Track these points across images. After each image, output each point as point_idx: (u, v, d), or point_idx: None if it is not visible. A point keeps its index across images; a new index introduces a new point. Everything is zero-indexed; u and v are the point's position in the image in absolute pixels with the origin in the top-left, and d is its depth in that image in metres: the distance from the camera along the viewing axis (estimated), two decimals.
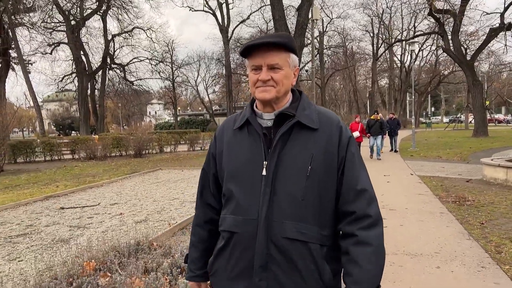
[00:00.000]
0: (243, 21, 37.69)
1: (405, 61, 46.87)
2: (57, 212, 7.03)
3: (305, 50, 26.39)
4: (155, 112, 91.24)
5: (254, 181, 1.32)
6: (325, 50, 37.02)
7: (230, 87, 39.59)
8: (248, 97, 61.87)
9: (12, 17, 27.71)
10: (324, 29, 36.68)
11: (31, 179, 11.63)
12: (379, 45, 43.64)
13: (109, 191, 9.22)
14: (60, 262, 3.89)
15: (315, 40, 27.68)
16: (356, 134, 13.06)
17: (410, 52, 23.00)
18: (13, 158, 17.05)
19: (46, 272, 3.84)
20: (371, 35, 43.45)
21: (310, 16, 17.35)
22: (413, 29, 39.65)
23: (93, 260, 3.56)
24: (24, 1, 28.32)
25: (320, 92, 38.39)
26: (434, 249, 4.30)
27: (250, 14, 36.98)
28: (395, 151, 15.96)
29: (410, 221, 5.48)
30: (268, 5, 31.91)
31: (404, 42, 37.50)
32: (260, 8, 35.06)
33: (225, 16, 37.14)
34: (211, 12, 37.79)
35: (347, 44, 39.04)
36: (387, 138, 15.41)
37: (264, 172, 1.31)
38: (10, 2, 25.23)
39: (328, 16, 36.26)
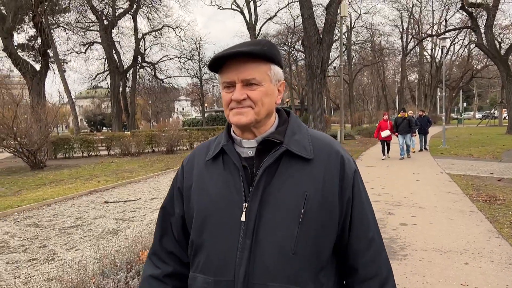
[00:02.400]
0: (270, 18, 37.85)
1: (435, 55, 45.82)
2: (102, 206, 7.56)
3: (333, 46, 26.34)
4: (183, 109, 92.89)
5: (230, 230, 1.04)
6: (353, 46, 36.71)
7: None
8: None
9: (49, 18, 28.98)
10: (352, 24, 36.35)
11: (73, 174, 12.35)
12: (409, 40, 42.82)
13: (147, 186, 9.74)
14: (115, 251, 4.33)
15: (343, 36, 27.54)
16: (387, 132, 13.06)
17: (441, 47, 22.51)
18: (53, 154, 18.02)
19: (103, 259, 4.28)
20: (400, 29, 42.69)
21: (338, 12, 17.42)
22: (444, 23, 38.70)
23: (146, 250, 3.97)
24: (60, 2, 29.51)
25: (347, 87, 38.14)
26: (463, 246, 4.48)
27: (278, 11, 37.10)
28: (425, 149, 15.81)
29: (439, 219, 5.63)
30: (295, 1, 32.00)
31: (435, 37, 36.69)
32: (288, 5, 35.13)
33: (253, 14, 37.39)
34: (239, 10, 38.13)
35: (375, 39, 38.52)
36: (417, 136, 15.24)
37: (243, 218, 1.03)
38: (47, 4, 26.37)
39: (356, 11, 35.89)
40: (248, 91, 1.04)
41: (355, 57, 40.21)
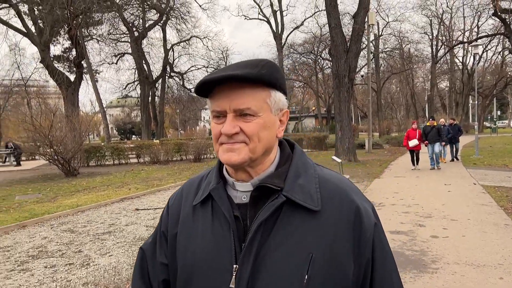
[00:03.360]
0: (297, 28, 38.02)
1: (467, 62, 44.59)
2: (133, 213, 7.77)
3: (361, 54, 26.15)
4: (209, 117, 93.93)
5: None
6: (380, 54, 36.30)
7: None
8: (299, 101, 62.09)
9: (83, 30, 30.19)
10: (380, 32, 35.98)
11: (104, 182, 12.75)
12: (439, 47, 41.92)
13: None
14: None
15: (371, 44, 27.30)
16: (414, 142, 12.81)
17: (473, 54, 21.94)
18: (86, 162, 18.65)
19: None
20: (430, 37, 41.86)
21: (366, 21, 17.32)
22: (476, 29, 37.71)
23: None
24: (94, 15, 30.70)
25: (375, 96, 37.65)
26: (497, 260, 4.35)
27: (304, 20, 37.24)
28: (456, 159, 15.34)
29: (472, 232, 5.49)
30: (322, 10, 32.04)
31: (466, 44, 35.78)
32: (314, 14, 35.24)
33: (279, 23, 37.66)
34: (266, 19, 38.51)
35: (404, 46, 37.94)
36: (448, 146, 14.83)
37: (232, 284, 0.86)
38: (81, 17, 27.49)
39: (384, 19, 35.56)
40: (241, 123, 0.87)
41: (383, 65, 39.71)
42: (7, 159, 21.99)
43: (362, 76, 36.85)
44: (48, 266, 4.78)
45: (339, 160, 10.55)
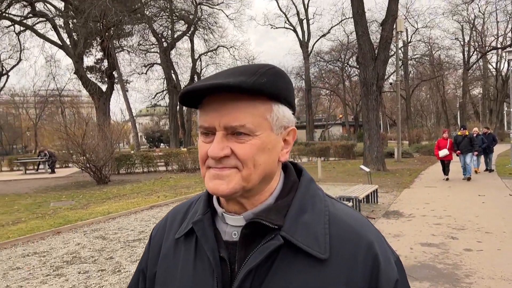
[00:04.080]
0: (323, 35, 37.97)
1: (501, 68, 43.08)
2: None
3: (389, 61, 25.79)
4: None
5: None
6: (409, 61, 35.65)
7: (310, 101, 39.89)
8: (326, 108, 61.75)
9: (115, 42, 31.24)
10: (409, 39, 35.38)
11: (134, 189, 13.05)
12: (471, 53, 40.74)
13: None
14: None
15: (399, 51, 26.88)
16: (444, 152, 12.43)
17: (507, 60, 21.19)
18: (116, 170, 19.16)
19: None
20: (461, 42, 40.77)
21: (394, 27, 17.09)
22: (510, 34, 36.45)
23: None
24: (124, 27, 31.73)
25: (404, 103, 36.93)
26: None
27: (331, 28, 37.19)
28: (490, 170, 14.74)
29: (508, 246, 5.27)
30: (349, 18, 31.86)
31: (500, 49, 34.62)
32: (341, 21, 35.08)
33: (305, 31, 37.73)
34: (292, 28, 38.65)
35: (434, 53, 37.11)
36: (481, 156, 14.29)
37: None
38: (113, 29, 28.46)
39: (413, 26, 34.95)
40: (233, 143, 0.71)
41: (412, 72, 38.95)
42: (41, 167, 22.87)
43: (390, 83, 36.27)
44: (82, 272, 4.93)
45: (367, 169, 10.41)
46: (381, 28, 16.47)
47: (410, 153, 24.23)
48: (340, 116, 57.37)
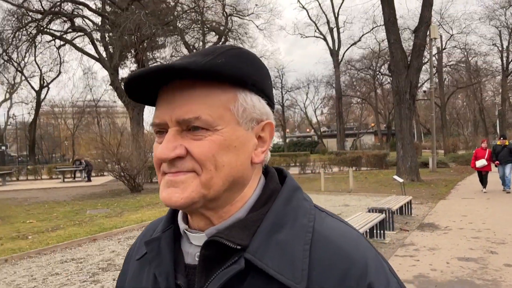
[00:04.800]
0: (354, 44, 37.61)
1: None
2: None
3: (423, 68, 25.21)
4: None
5: None
6: (444, 68, 34.66)
7: (340, 109, 39.46)
8: (357, 117, 60.80)
9: (148, 54, 32.25)
10: (443, 46, 34.44)
11: None
12: (510, 59, 39.12)
13: None
14: None
15: (433, 58, 26.19)
16: (482, 162, 11.92)
17: None
18: (149, 178, 19.60)
19: None
20: (500, 48, 39.25)
21: (427, 34, 16.71)
22: None
23: None
24: (157, 39, 32.68)
25: (439, 111, 35.86)
26: None
27: (362, 36, 36.76)
28: None
29: None
30: (380, 25, 31.42)
31: None
32: (372, 29, 34.63)
33: (336, 40, 37.52)
34: (322, 37, 38.55)
35: (470, 59, 35.91)
36: None
37: None
38: (147, 41, 29.38)
39: (447, 32, 34.01)
40: (188, 141, 0.58)
41: (447, 79, 37.84)
42: (77, 175, 23.75)
43: (424, 91, 35.35)
44: (116, 279, 5.06)
45: (401, 180, 10.16)
46: (414, 35, 16.13)
47: (445, 163, 23.41)
48: (372, 124, 56.34)
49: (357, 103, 52.01)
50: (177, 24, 30.42)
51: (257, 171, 0.66)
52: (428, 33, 16.53)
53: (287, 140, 55.79)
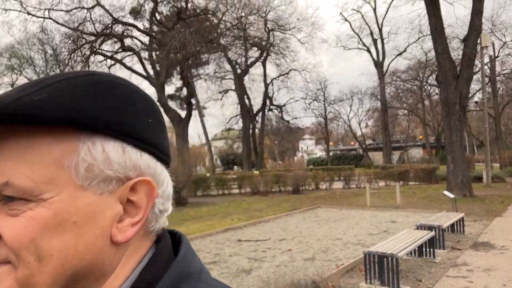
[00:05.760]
0: (399, 54, 36.72)
1: None
2: (236, 243, 8.06)
3: (474, 78, 24.08)
4: (307, 147, 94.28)
5: None
6: (498, 77, 32.85)
7: (386, 122, 38.43)
8: (404, 129, 58.71)
9: (193, 71, 33.34)
10: (496, 54, 32.74)
11: (210, 212, 13.50)
12: None
13: (275, 226, 10.06)
14: None
15: (485, 67, 24.93)
16: None
17: None
18: (193, 192, 20.03)
19: None
20: None
21: (478, 42, 15.99)
22: None
23: None
24: (202, 57, 33.73)
25: (493, 122, 33.90)
26: None
27: (407, 46, 35.79)
28: None
29: None
30: (426, 35, 30.47)
31: None
32: (418, 39, 33.69)
33: (380, 51, 36.84)
34: (365, 48, 38.00)
35: None
36: None
37: None
38: (192, 59, 30.39)
39: (500, 39, 32.34)
40: (2, 218, 0.40)
41: (501, 88, 35.81)
42: None
43: (476, 102, 33.64)
44: None
45: (451, 196, 9.67)
46: (463, 44, 15.48)
47: (501, 178, 21.97)
48: (420, 137, 54.26)
49: (403, 115, 50.41)
50: (220, 41, 31.23)
51: (132, 251, 0.46)
52: (478, 41, 15.80)
53: (331, 154, 54.96)
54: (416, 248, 6.11)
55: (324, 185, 22.34)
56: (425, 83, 38.39)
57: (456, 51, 23.79)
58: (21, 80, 41.04)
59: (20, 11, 25.90)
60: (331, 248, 7.33)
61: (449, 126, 14.78)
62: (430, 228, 6.90)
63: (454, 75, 14.50)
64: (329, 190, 20.89)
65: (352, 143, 67.03)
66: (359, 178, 22.42)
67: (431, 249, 6.39)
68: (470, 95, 16.62)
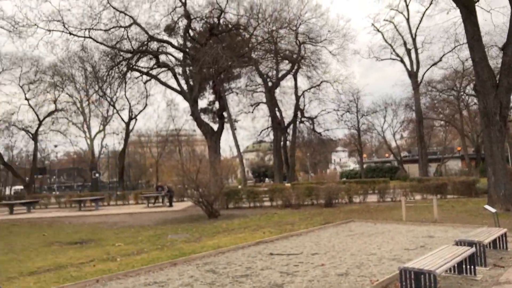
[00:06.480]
0: (434, 64, 35.80)
1: None
2: (268, 257, 8.02)
3: None
4: (340, 160, 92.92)
5: None
6: None
7: (422, 133, 37.34)
8: (441, 141, 56.74)
9: (225, 85, 33.90)
10: None
11: (242, 224, 13.53)
12: None
13: (307, 240, 9.94)
14: None
15: None
16: None
17: None
18: (225, 204, 20.16)
19: None
20: None
21: None
22: None
23: None
24: (233, 71, 34.27)
25: None
26: None
27: (443, 56, 34.84)
28: None
29: None
30: (463, 44, 29.59)
31: None
32: (454, 48, 32.75)
33: (414, 61, 36.08)
34: (399, 59, 37.33)
35: None
36: None
37: None
38: (224, 73, 30.92)
39: None
40: None
41: None
42: (158, 200, 25.21)
43: None
44: None
45: (493, 210, 9.23)
46: (502, 52, 14.92)
47: None
48: (458, 148, 52.34)
49: (440, 126, 48.86)
50: (252, 55, 31.64)
51: None
52: None
53: (365, 166, 53.87)
54: (456, 265, 5.85)
55: (358, 198, 21.87)
56: (462, 93, 37.13)
57: (495, 59, 22.95)
58: (63, 97, 43.30)
59: (62, 31, 27.39)
60: (365, 263, 7.15)
61: (489, 137, 14.21)
62: (470, 244, 6.61)
63: (493, 84, 13.98)
64: (363, 203, 20.43)
65: (387, 155, 65.55)
66: (394, 191, 21.80)
67: (472, 266, 6.11)
68: (510, 104, 15.91)
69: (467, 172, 38.19)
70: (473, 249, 6.17)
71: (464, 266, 6.11)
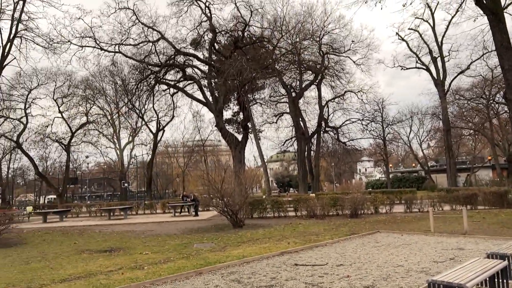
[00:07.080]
0: (461, 72, 35.06)
1: None
2: (292, 268, 8.03)
3: None
4: (365, 170, 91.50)
5: None
6: None
7: (450, 142, 36.44)
8: (470, 150, 55.06)
9: (249, 96, 34.24)
10: None
11: (266, 234, 13.56)
12: None
13: (333, 251, 9.88)
14: None
15: None
16: None
17: None
18: (250, 214, 20.24)
19: None
20: None
21: None
22: None
23: None
24: (257, 82, 34.62)
25: None
26: None
27: (470, 63, 34.10)
28: None
29: None
30: (491, 51, 28.87)
31: None
32: (482, 56, 31.99)
33: (440, 70, 35.42)
34: (425, 67, 36.75)
35: None
36: None
37: None
38: (248, 84, 31.26)
39: None
40: None
41: None
42: (184, 210, 25.55)
43: None
44: None
45: None
46: None
47: None
48: (489, 158, 50.59)
49: (469, 135, 47.49)
50: (276, 66, 31.90)
51: None
52: None
53: (391, 176, 52.84)
54: (487, 279, 5.71)
55: (384, 209, 21.51)
56: (492, 101, 36.06)
57: None
58: (94, 109, 44.82)
59: (94, 47, 28.53)
60: (392, 276, 7.06)
61: None
62: (502, 257, 6.43)
63: None
64: (389, 214, 20.06)
65: (414, 164, 64.15)
66: (422, 201, 21.33)
67: (504, 280, 5.94)
68: None
69: (499, 182, 36.83)
70: (505, 262, 6.00)
71: (496, 280, 5.94)
